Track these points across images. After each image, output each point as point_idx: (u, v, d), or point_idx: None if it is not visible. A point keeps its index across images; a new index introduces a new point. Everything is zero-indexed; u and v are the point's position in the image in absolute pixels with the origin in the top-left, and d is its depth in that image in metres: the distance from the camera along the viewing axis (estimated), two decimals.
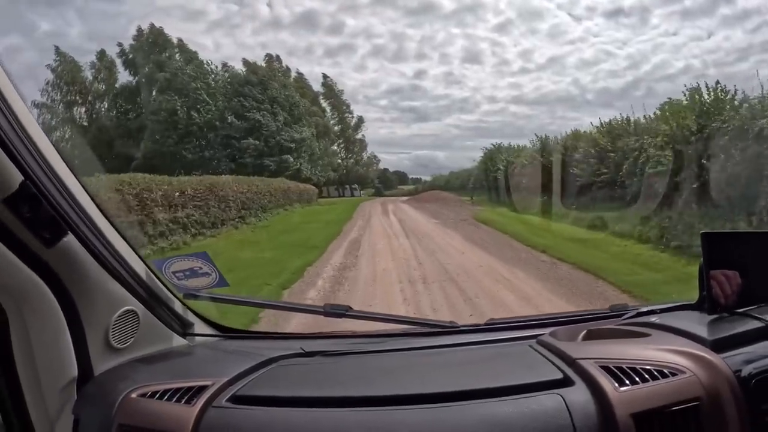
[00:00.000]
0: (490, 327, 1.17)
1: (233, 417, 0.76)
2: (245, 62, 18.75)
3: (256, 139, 16.43)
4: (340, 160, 34.46)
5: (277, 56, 20.40)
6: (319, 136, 21.87)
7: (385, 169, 31.87)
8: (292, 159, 17.08)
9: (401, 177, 35.76)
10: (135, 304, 0.94)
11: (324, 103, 33.01)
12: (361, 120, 34.82)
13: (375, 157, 36.19)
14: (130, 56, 18.86)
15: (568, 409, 0.70)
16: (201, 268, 1.11)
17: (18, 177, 0.68)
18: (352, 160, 35.69)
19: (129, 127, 17.71)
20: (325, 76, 34.65)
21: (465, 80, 27.48)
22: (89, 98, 18.71)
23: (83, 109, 18.67)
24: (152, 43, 18.31)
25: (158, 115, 16.61)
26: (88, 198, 0.84)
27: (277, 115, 16.73)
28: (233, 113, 16.59)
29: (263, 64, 18.81)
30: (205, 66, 17.98)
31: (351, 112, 34.95)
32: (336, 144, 33.87)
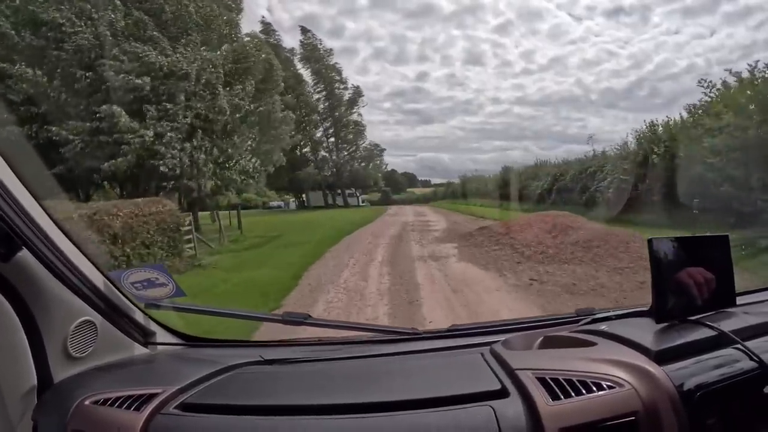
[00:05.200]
0: (451, 333, 1.18)
1: (180, 424, 0.78)
2: None
3: (41, 70, 6.51)
4: (326, 153, 25.20)
5: None
6: (248, 80, 10.61)
7: (393, 170, 29.03)
8: (137, 125, 7.06)
9: (411, 179, 32.08)
10: (93, 315, 0.99)
11: (303, 70, 23.91)
12: (358, 93, 25.47)
13: (377, 146, 26.81)
14: None
15: (498, 422, 0.70)
16: (158, 278, 1.15)
17: None
18: (345, 153, 26.00)
19: None
20: (304, 30, 25.19)
21: (468, 82, 29.77)
22: None
23: None
24: None
25: None
26: (43, 213, 0.88)
27: (115, 12, 7.07)
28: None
29: None
30: None
31: (344, 83, 25.76)
32: (322, 127, 24.73)
